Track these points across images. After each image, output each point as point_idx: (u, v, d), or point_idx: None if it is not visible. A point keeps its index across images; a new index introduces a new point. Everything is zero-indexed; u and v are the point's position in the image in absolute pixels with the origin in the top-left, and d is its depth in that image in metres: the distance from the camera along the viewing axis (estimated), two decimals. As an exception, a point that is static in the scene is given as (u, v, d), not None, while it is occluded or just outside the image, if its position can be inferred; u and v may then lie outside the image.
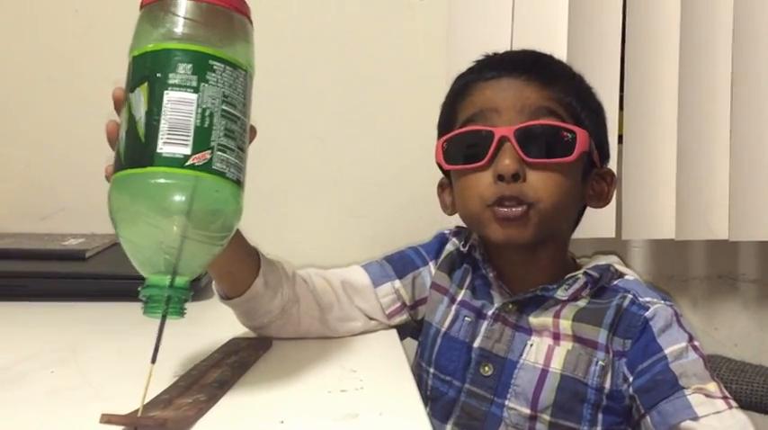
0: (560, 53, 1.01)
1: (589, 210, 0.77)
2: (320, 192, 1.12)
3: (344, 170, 1.12)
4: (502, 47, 0.78)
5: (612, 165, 1.01)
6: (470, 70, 0.75)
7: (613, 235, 1.04)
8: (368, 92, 1.11)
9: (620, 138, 1.06)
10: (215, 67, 0.47)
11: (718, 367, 0.88)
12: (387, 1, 1.10)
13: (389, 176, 1.11)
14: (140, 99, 0.46)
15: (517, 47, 0.99)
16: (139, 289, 0.47)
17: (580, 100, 0.70)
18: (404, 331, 0.79)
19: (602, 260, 0.73)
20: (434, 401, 0.73)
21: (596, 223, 1.02)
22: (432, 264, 0.79)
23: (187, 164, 0.45)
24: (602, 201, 0.75)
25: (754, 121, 1.08)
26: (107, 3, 1.06)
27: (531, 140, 0.66)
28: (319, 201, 1.12)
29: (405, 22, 1.10)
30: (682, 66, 1.06)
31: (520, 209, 0.65)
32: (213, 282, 0.66)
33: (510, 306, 0.71)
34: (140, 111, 0.46)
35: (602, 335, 0.66)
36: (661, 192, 1.07)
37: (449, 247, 0.80)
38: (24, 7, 1.08)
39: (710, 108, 1.08)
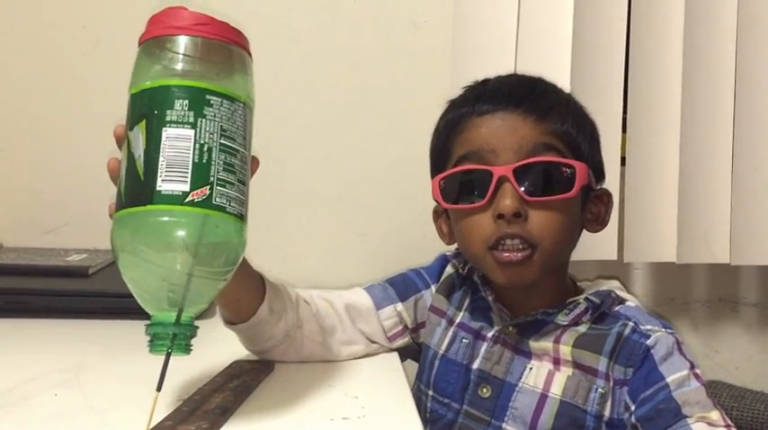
0: (564, 75, 1.02)
1: (591, 233, 0.77)
2: (324, 209, 1.12)
3: (349, 188, 1.12)
4: (506, 69, 0.78)
5: (615, 187, 1.03)
6: (464, 100, 0.72)
7: (615, 257, 1.04)
8: (373, 111, 1.11)
9: (623, 160, 1.06)
10: (212, 101, 0.47)
11: (719, 393, 0.88)
12: (392, 22, 1.10)
13: (394, 195, 1.11)
14: (139, 137, 0.46)
15: (521, 69, 1.00)
16: (145, 325, 0.47)
17: (575, 125, 0.69)
18: (405, 353, 0.79)
19: (604, 285, 0.73)
20: (433, 424, 0.73)
21: (598, 246, 1.02)
22: (434, 287, 0.79)
23: (186, 200, 0.45)
24: (599, 224, 0.74)
25: (757, 145, 1.08)
26: (114, 19, 1.07)
27: (530, 178, 0.65)
28: (323, 218, 1.12)
29: (410, 43, 1.10)
30: (684, 88, 1.06)
31: (522, 254, 0.65)
32: (218, 307, 0.66)
33: (510, 328, 0.71)
34: (139, 149, 0.46)
35: (602, 363, 0.66)
36: (663, 216, 1.07)
37: (449, 270, 0.80)
38: (33, 23, 1.08)
39: (713, 131, 1.08)
